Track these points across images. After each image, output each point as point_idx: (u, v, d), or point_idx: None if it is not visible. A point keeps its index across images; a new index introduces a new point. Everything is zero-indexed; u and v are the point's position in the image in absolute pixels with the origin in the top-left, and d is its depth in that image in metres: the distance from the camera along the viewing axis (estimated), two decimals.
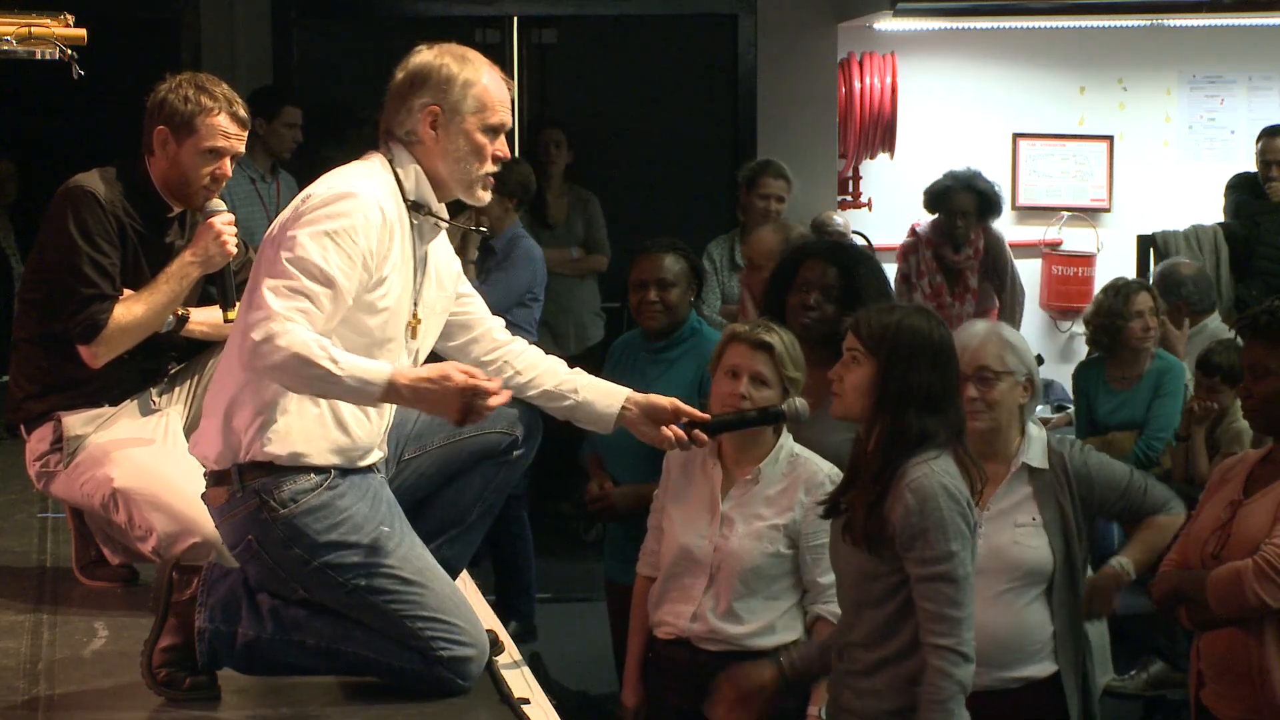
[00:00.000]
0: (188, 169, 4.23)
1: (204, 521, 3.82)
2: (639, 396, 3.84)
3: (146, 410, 4.35)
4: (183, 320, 4.33)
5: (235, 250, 4.30)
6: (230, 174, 4.30)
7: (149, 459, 4.23)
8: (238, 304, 4.22)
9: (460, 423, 3.43)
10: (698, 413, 3.86)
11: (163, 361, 4.41)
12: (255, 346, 3.33)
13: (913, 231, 8.54)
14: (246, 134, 4.31)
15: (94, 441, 4.27)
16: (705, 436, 3.88)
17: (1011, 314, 8.38)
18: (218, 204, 4.29)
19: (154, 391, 4.38)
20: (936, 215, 8.37)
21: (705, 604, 4.29)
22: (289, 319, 3.33)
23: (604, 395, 3.83)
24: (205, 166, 4.23)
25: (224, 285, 4.32)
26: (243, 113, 4.28)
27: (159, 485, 4.16)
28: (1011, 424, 4.28)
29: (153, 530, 4.13)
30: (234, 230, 4.29)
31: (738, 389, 4.22)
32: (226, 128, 4.23)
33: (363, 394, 3.39)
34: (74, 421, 4.28)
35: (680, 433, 3.81)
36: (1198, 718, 4.47)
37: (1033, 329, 9.44)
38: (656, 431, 3.82)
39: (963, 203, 8.30)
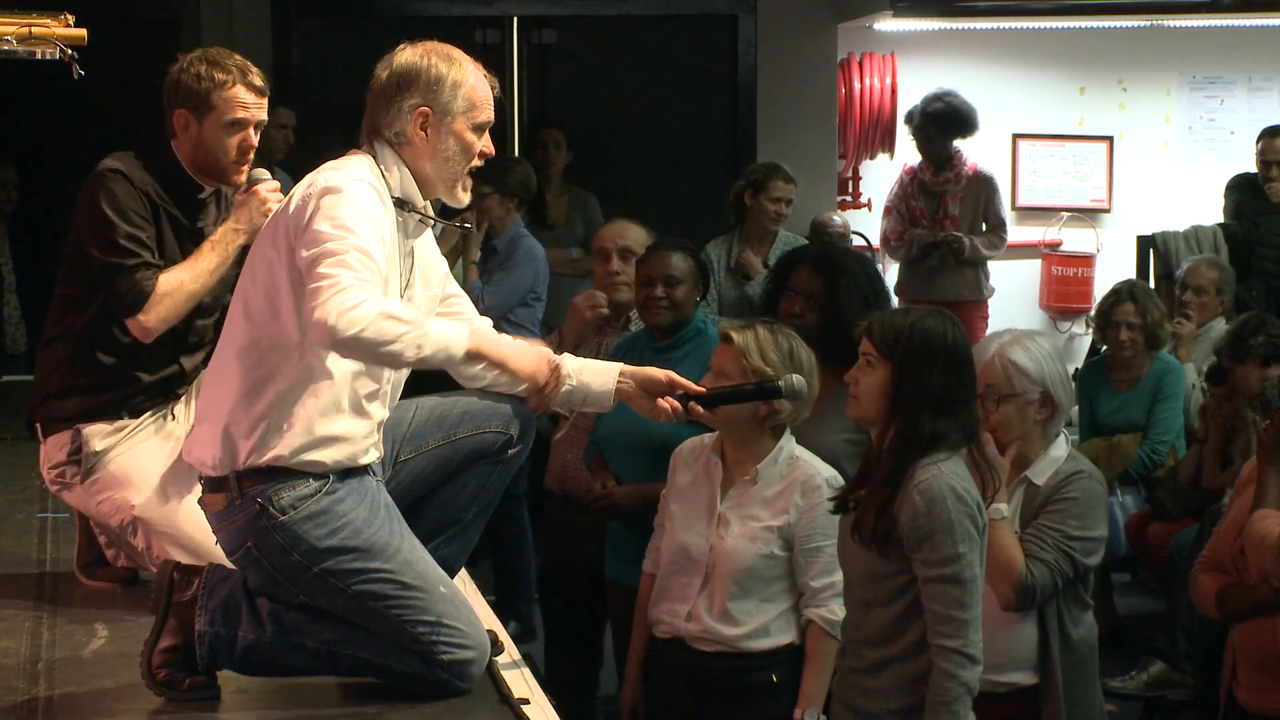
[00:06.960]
0: (213, 146, 4.20)
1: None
2: (633, 369, 3.83)
3: (167, 428, 4.29)
4: None
5: None
6: (256, 144, 4.25)
7: (170, 487, 4.17)
8: None
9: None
10: (693, 385, 3.84)
11: (185, 373, 4.34)
12: (336, 322, 3.24)
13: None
14: (266, 101, 4.26)
15: (114, 460, 4.22)
16: (701, 409, 3.86)
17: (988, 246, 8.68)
18: (261, 173, 4.27)
19: (175, 408, 4.32)
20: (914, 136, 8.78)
21: (700, 604, 4.29)
22: (359, 287, 3.28)
23: (598, 374, 3.81)
24: (229, 139, 4.20)
25: None
26: (259, 81, 4.24)
27: (179, 517, 4.12)
28: (1028, 441, 4.25)
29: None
30: (279, 196, 4.20)
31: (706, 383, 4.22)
32: (244, 98, 4.19)
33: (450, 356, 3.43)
34: (94, 434, 4.23)
35: (676, 404, 3.79)
36: (1227, 713, 4.49)
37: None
38: (652, 404, 3.80)
39: (932, 112, 8.64)
